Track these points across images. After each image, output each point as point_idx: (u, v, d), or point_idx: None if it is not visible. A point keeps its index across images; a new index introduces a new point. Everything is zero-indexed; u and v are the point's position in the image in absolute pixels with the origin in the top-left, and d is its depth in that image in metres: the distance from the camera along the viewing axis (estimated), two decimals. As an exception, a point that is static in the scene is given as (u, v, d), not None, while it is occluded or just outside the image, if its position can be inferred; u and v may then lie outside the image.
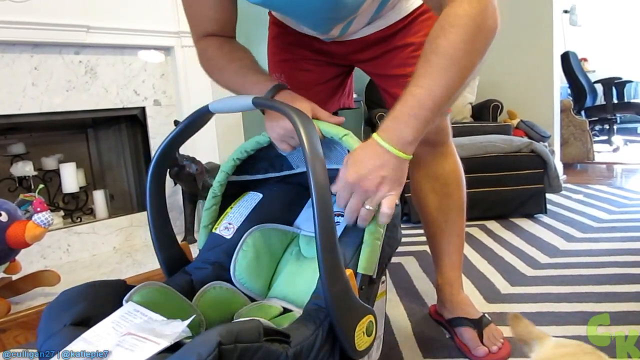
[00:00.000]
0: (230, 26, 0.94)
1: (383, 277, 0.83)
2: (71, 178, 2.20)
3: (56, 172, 2.22)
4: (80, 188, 2.27)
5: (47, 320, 0.62)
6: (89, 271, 1.94)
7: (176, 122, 2.18)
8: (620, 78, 4.73)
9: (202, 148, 2.41)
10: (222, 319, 0.81)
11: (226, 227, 0.91)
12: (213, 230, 0.92)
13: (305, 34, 1.07)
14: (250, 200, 0.95)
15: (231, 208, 0.94)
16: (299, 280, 0.88)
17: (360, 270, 0.71)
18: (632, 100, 4.83)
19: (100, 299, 0.66)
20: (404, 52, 1.04)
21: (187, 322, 0.60)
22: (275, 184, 0.99)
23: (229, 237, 0.90)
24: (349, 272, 0.67)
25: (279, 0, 0.87)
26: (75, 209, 2.29)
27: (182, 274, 0.85)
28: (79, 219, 2.24)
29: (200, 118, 0.82)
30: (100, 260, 2.09)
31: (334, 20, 0.95)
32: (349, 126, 0.81)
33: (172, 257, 0.86)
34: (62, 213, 2.24)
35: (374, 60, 1.08)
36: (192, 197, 2.24)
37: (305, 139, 0.63)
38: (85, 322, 0.62)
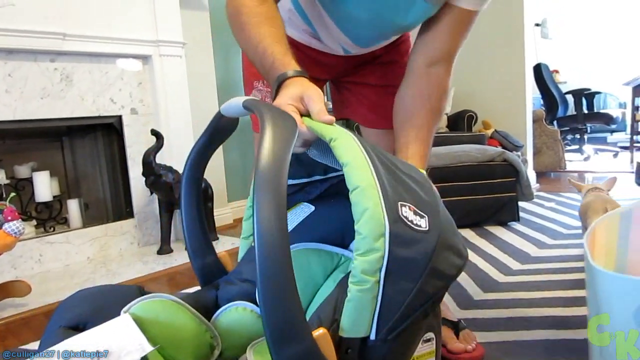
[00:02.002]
0: None
1: (429, 334, 0.66)
2: (44, 186, 2.16)
3: (29, 181, 2.18)
4: (54, 197, 2.23)
5: (53, 318, 0.62)
6: (62, 281, 1.90)
7: (153, 131, 2.17)
8: (589, 89, 4.89)
9: (179, 157, 2.40)
10: (240, 344, 0.72)
11: None
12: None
13: (305, 44, 1.09)
14: (300, 213, 0.84)
15: None
16: None
17: (341, 332, 0.55)
18: (601, 111, 4.99)
19: (104, 304, 0.64)
20: (388, 67, 1.14)
21: (147, 350, 0.57)
22: (334, 196, 0.84)
23: None
24: (320, 331, 0.51)
25: (362, 15, 0.91)
26: (49, 218, 2.25)
27: (211, 287, 0.78)
28: (52, 229, 2.21)
29: (218, 124, 0.73)
30: (73, 270, 2.05)
31: (386, 40, 1.05)
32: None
33: (207, 267, 0.80)
34: (34, 222, 2.20)
35: (355, 70, 1.15)
36: (169, 207, 2.22)
37: (263, 155, 0.50)
38: (78, 327, 0.60)
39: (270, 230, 0.46)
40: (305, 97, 0.66)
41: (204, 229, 0.79)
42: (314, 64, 1.11)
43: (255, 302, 0.74)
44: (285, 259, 0.46)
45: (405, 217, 0.57)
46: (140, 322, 0.62)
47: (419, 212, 0.60)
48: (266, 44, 0.75)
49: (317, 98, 0.65)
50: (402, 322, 0.57)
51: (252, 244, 0.79)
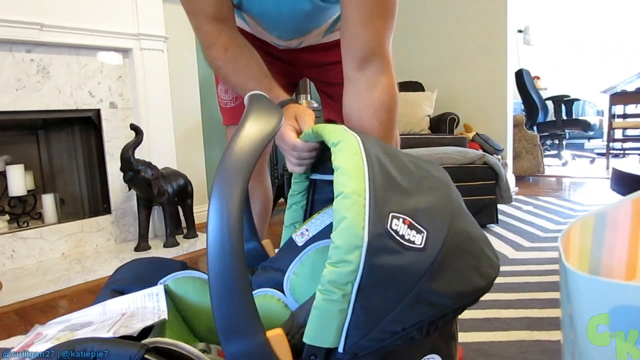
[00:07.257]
0: (227, 5, 0.90)
1: (432, 356, 0.59)
2: (18, 180, 2.10)
3: (2, 175, 2.12)
4: (29, 191, 2.17)
5: (108, 280, 0.76)
6: (35, 278, 1.86)
7: (132, 126, 2.13)
8: (569, 96, 4.98)
9: (159, 153, 2.37)
10: None
11: (302, 233, 0.83)
12: (294, 233, 0.84)
13: (262, 40, 1.10)
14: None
15: (319, 213, 0.83)
16: None
17: (305, 339, 0.52)
18: (580, 118, 5.09)
19: (147, 275, 0.74)
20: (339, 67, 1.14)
21: (162, 318, 0.61)
22: None
23: (300, 244, 0.81)
24: (277, 332, 0.50)
25: (256, 8, 0.93)
26: (22, 213, 2.19)
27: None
28: (25, 224, 2.15)
29: None
30: (47, 266, 2.00)
31: (298, 31, 1.02)
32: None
33: (248, 252, 0.83)
34: (7, 217, 2.14)
35: (317, 69, 1.18)
36: (147, 203, 2.19)
37: (240, 140, 0.49)
38: (122, 291, 0.72)
39: (221, 222, 0.46)
40: (297, 116, 0.76)
41: (249, 215, 0.85)
42: (272, 59, 1.12)
43: (283, 291, 0.74)
44: (235, 253, 0.46)
45: (395, 231, 0.51)
46: (172, 295, 0.72)
47: (417, 226, 0.53)
48: (253, 87, 0.83)
49: (308, 117, 0.76)
50: (378, 342, 0.52)
51: (292, 234, 0.83)
